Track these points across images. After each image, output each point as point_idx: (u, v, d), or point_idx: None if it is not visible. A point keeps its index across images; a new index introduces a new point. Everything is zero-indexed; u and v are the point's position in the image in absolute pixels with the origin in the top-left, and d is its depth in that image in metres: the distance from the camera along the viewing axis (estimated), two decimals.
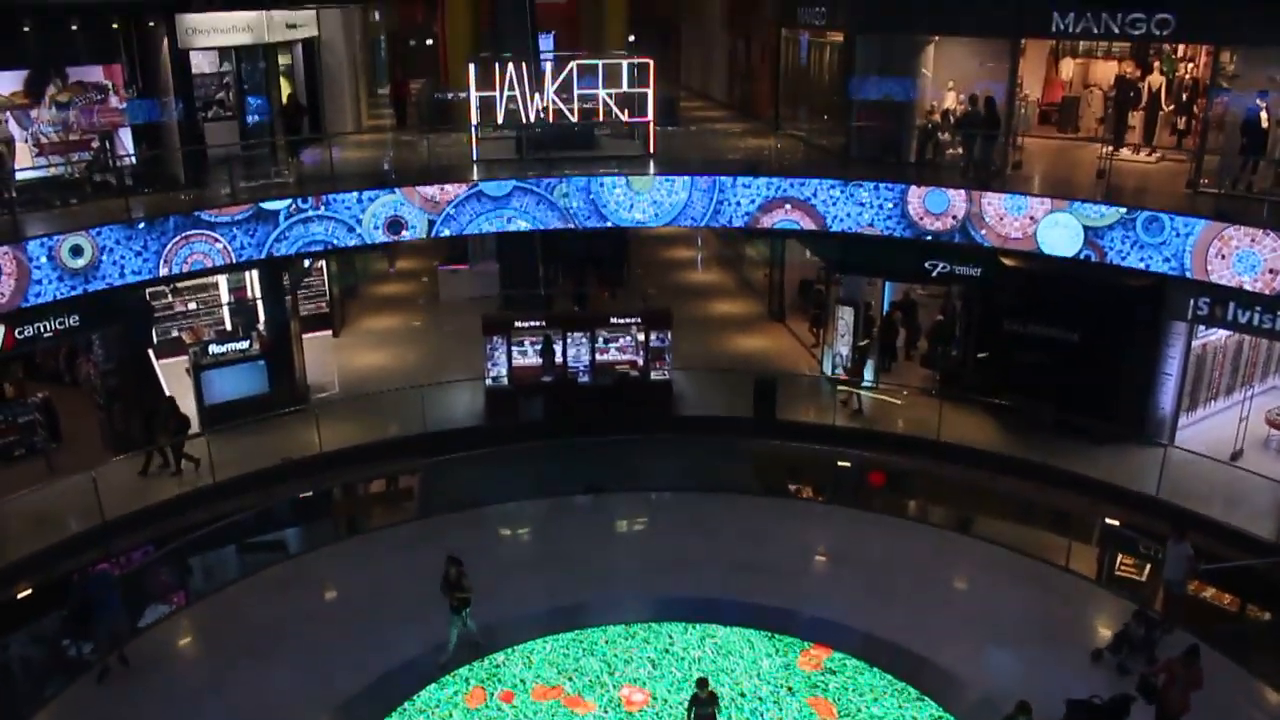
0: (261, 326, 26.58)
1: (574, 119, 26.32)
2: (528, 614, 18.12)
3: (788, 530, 21.01)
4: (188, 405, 24.42)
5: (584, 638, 17.45)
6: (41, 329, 21.76)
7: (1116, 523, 20.86)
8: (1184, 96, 26.41)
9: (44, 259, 19.88)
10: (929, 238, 23.52)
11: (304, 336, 27.93)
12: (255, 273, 27.06)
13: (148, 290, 24.51)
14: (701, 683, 14.14)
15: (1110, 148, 23.90)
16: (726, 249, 39.48)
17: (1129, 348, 23.26)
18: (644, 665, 16.79)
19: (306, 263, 26.84)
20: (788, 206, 24.31)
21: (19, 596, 18.63)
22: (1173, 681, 14.39)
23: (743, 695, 16.08)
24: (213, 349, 25.03)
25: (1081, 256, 21.73)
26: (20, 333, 21.51)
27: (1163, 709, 14.56)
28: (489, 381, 25.40)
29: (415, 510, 22.67)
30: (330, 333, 31.30)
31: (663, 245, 41.48)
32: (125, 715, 15.72)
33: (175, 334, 28.37)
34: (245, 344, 25.40)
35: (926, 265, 24.99)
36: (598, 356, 25.99)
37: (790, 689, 16.23)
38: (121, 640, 16.80)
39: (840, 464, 24.12)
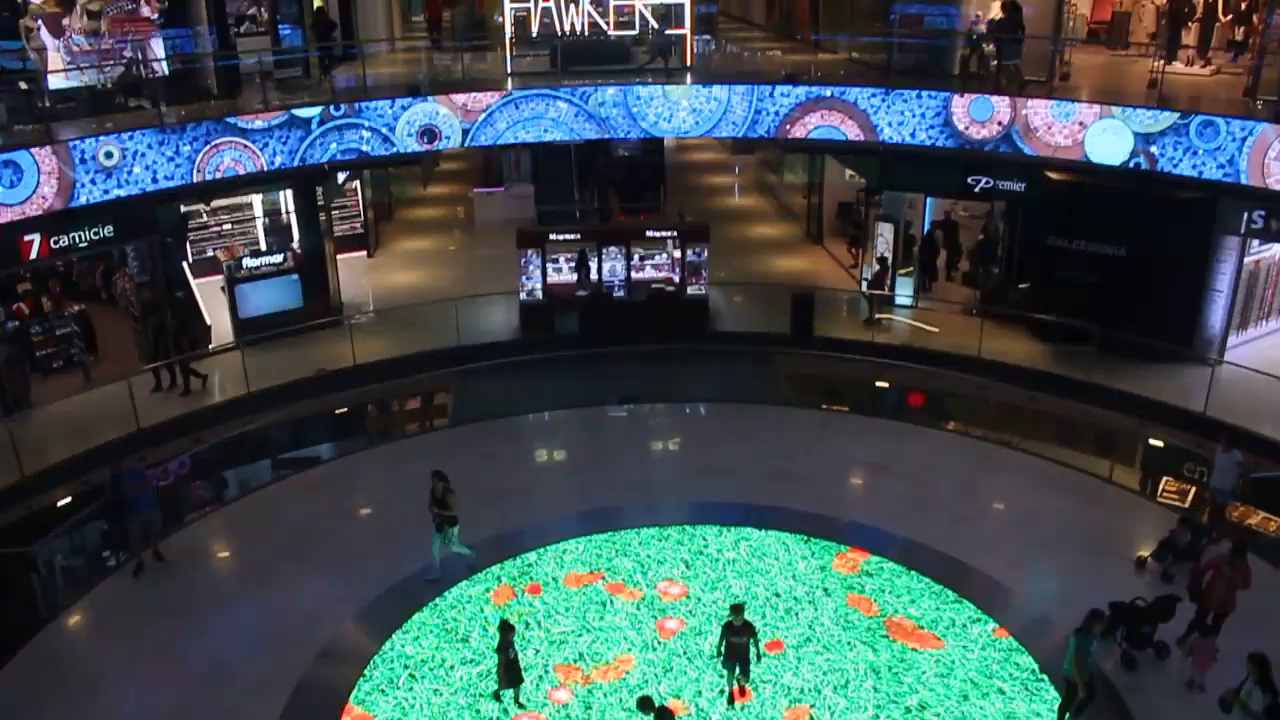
0: (296, 244, 26.29)
1: (610, 31, 25.51)
2: (559, 516, 17.86)
3: (824, 441, 20.66)
4: (222, 321, 24.24)
5: (617, 539, 17.24)
6: (76, 239, 21.65)
7: (1161, 443, 20.21)
8: (1242, 6, 25.33)
9: (81, 161, 19.56)
10: (972, 147, 22.72)
11: (339, 257, 27.72)
12: (289, 192, 26.81)
13: (182, 205, 24.21)
14: (737, 609, 13.25)
15: (1163, 60, 22.87)
16: (764, 175, 38.78)
17: (1178, 264, 22.61)
18: (677, 565, 16.60)
19: (340, 178, 26.53)
20: (828, 110, 23.52)
21: (58, 503, 18.68)
22: (1218, 578, 13.91)
23: (778, 595, 15.80)
24: (247, 263, 24.91)
25: (1131, 165, 20.97)
26: (56, 242, 21.37)
27: (1206, 607, 14.05)
28: (523, 296, 25.05)
29: (449, 419, 22.28)
30: (365, 253, 31.13)
31: (699, 172, 40.93)
32: (160, 609, 15.70)
33: (211, 253, 28.30)
34: (279, 258, 25.22)
35: (969, 180, 24.33)
36: (633, 274, 25.53)
37: (826, 590, 15.85)
38: (156, 535, 16.81)
39: (879, 384, 23.42)
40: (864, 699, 13.85)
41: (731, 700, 13.56)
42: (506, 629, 13.37)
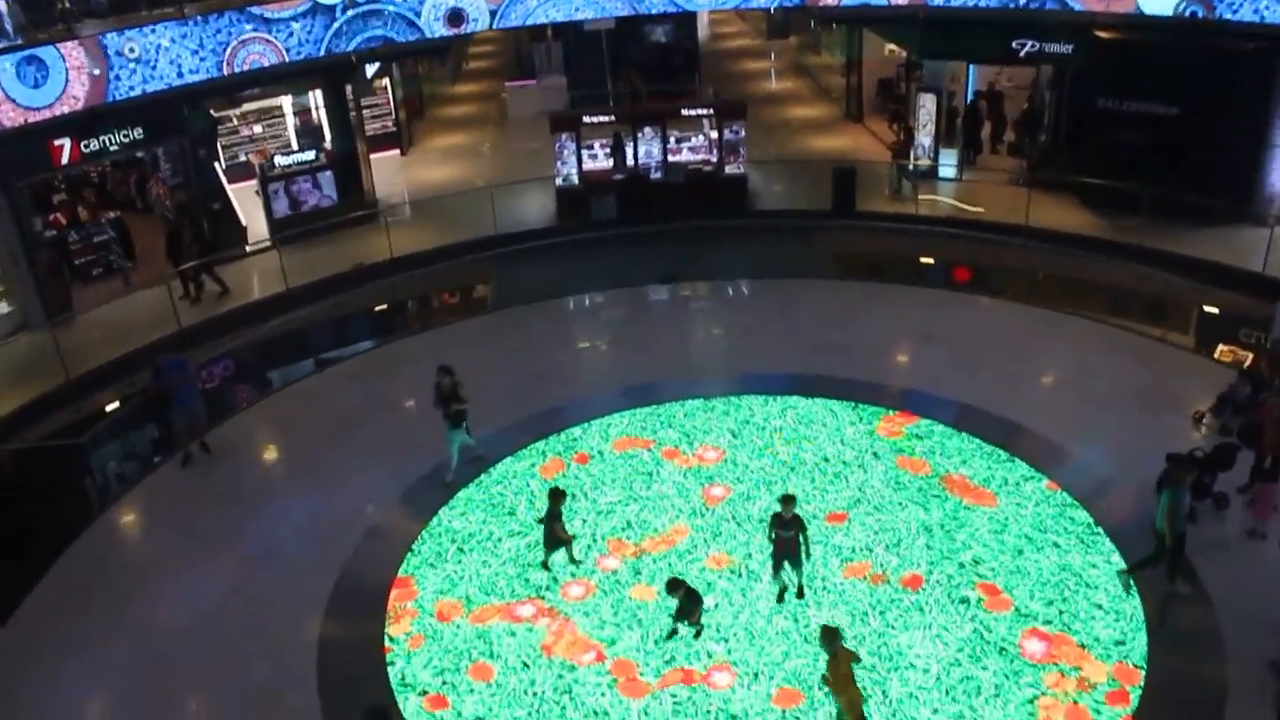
0: (327, 143, 25.94)
1: None
2: (604, 392, 17.70)
3: (869, 312, 20.27)
4: (258, 222, 24.06)
5: (662, 411, 17.02)
6: (107, 141, 21.51)
7: (1218, 305, 19.71)
8: None
9: (108, 57, 19.26)
10: (1018, 7, 21.72)
11: (371, 156, 27.33)
12: (319, 92, 26.42)
13: (212, 110, 23.89)
14: (787, 500, 12.57)
15: None
16: (801, 58, 37.77)
17: (1235, 120, 21.63)
18: (723, 434, 16.33)
19: (369, 72, 26.06)
20: None
21: (105, 405, 18.86)
22: (1273, 421, 13.40)
23: (826, 460, 15.55)
24: (279, 160, 24.60)
25: (1186, 14, 19.99)
26: (86, 145, 21.23)
27: (1262, 451, 13.60)
28: (559, 182, 24.59)
29: (488, 304, 22.06)
30: (398, 151, 30.73)
31: (734, 59, 40.00)
32: (209, 498, 15.77)
33: (243, 159, 28.05)
34: (311, 155, 24.84)
35: (1014, 45, 23.43)
36: (670, 157, 24.92)
37: (875, 454, 15.61)
38: (201, 427, 16.80)
39: (924, 256, 22.85)
40: (917, 556, 13.62)
41: (781, 598, 12.94)
42: (557, 496, 13.21)
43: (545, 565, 13.60)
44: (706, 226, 23.77)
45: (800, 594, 12.88)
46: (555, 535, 13.27)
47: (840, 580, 13.27)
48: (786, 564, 12.65)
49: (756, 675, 11.92)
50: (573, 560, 13.62)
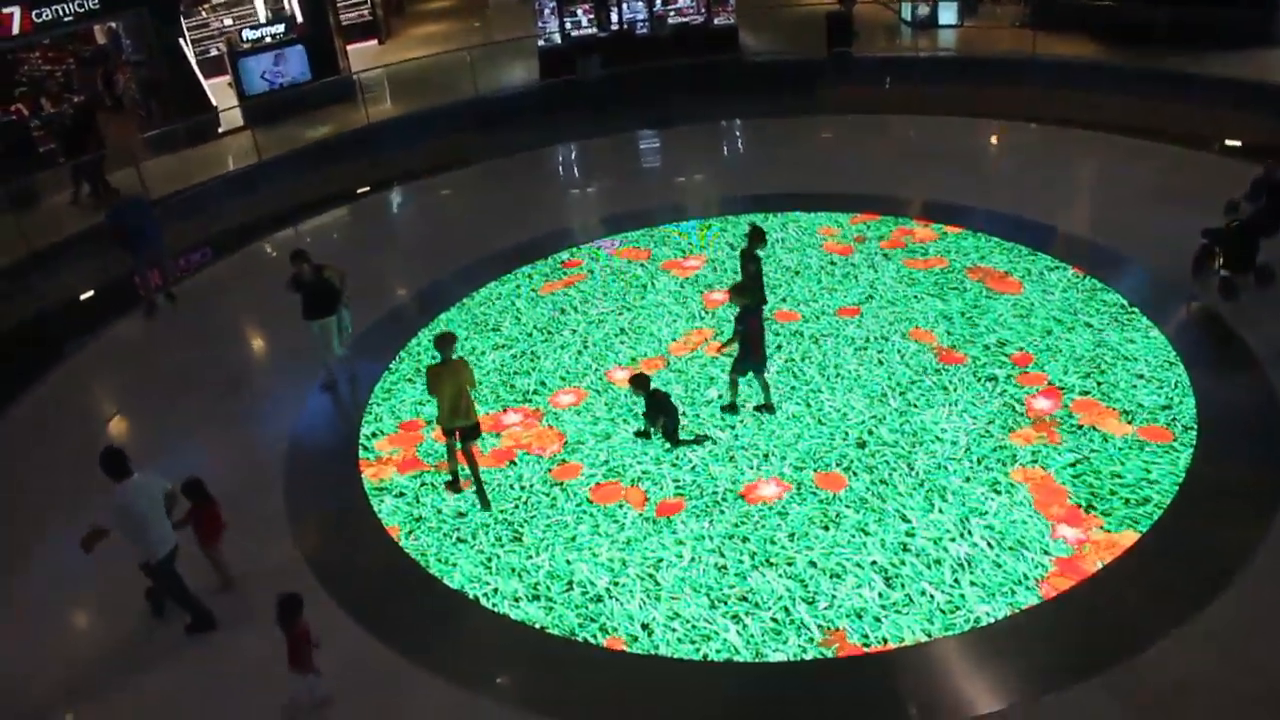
0: (299, 16, 24.39)
1: None
2: (595, 219, 16.67)
3: (870, 139, 19.01)
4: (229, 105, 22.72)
5: (656, 233, 15.63)
6: (60, 11, 20.04)
7: (1243, 117, 18.12)
8: None
9: None
10: None
11: (348, 48, 25.85)
12: None
13: None
14: (756, 235, 11.94)
15: None
16: None
17: None
18: (721, 248, 14.99)
19: None
20: None
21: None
22: None
23: (833, 264, 14.16)
24: (247, 34, 23.09)
25: None
26: (39, 15, 19.87)
27: None
28: (541, 43, 23.04)
29: (471, 159, 20.57)
30: (375, 41, 29.10)
31: None
32: (174, 341, 14.59)
33: (215, 52, 26.54)
34: (281, 27, 23.29)
35: None
36: (654, 16, 23.39)
37: (885, 255, 14.29)
38: (166, 274, 15.63)
39: (928, 89, 21.26)
40: (938, 341, 12.34)
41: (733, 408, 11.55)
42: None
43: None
44: (697, 75, 22.25)
45: (769, 408, 11.40)
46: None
47: (855, 366, 12.03)
48: (751, 368, 11.09)
49: (767, 456, 10.79)
50: None
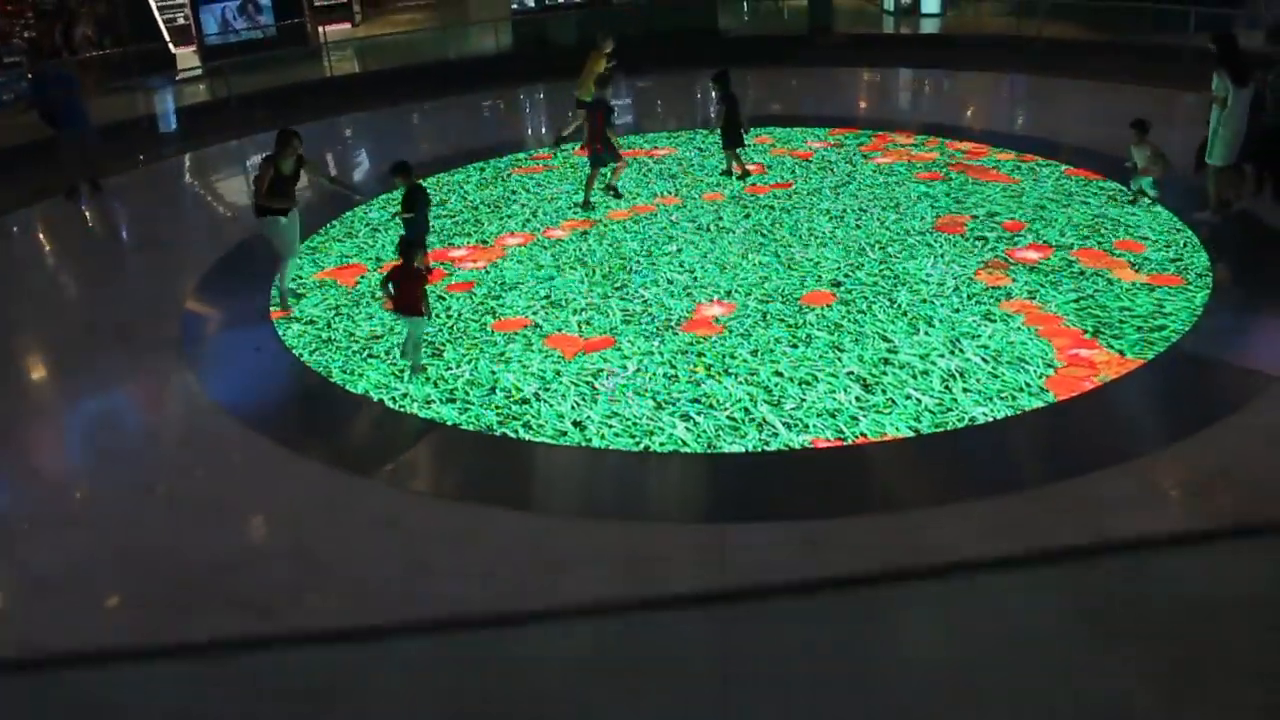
0: None
1: None
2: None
3: (856, 87, 17.80)
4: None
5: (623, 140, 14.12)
6: None
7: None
8: None
9: None
10: None
11: (321, 28, 24.56)
12: None
13: None
14: (720, 78, 12.10)
15: None
16: None
17: None
18: (690, 150, 13.57)
19: None
20: None
21: None
22: None
23: (809, 164, 13.05)
24: None
25: None
26: None
27: None
28: (515, 6, 21.95)
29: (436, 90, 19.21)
30: (348, 25, 27.99)
31: None
32: (97, 228, 13.18)
33: (181, 20, 25.24)
34: None
35: None
36: None
37: (865, 156, 13.00)
38: (92, 160, 13.91)
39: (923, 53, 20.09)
40: (918, 216, 10.98)
41: (729, 173, 12.23)
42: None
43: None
44: (674, 45, 20.72)
45: (736, 174, 12.08)
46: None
47: (830, 230, 10.69)
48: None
49: (730, 293, 9.36)
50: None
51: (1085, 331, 8.07)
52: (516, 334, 8.64)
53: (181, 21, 24.54)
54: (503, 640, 5.07)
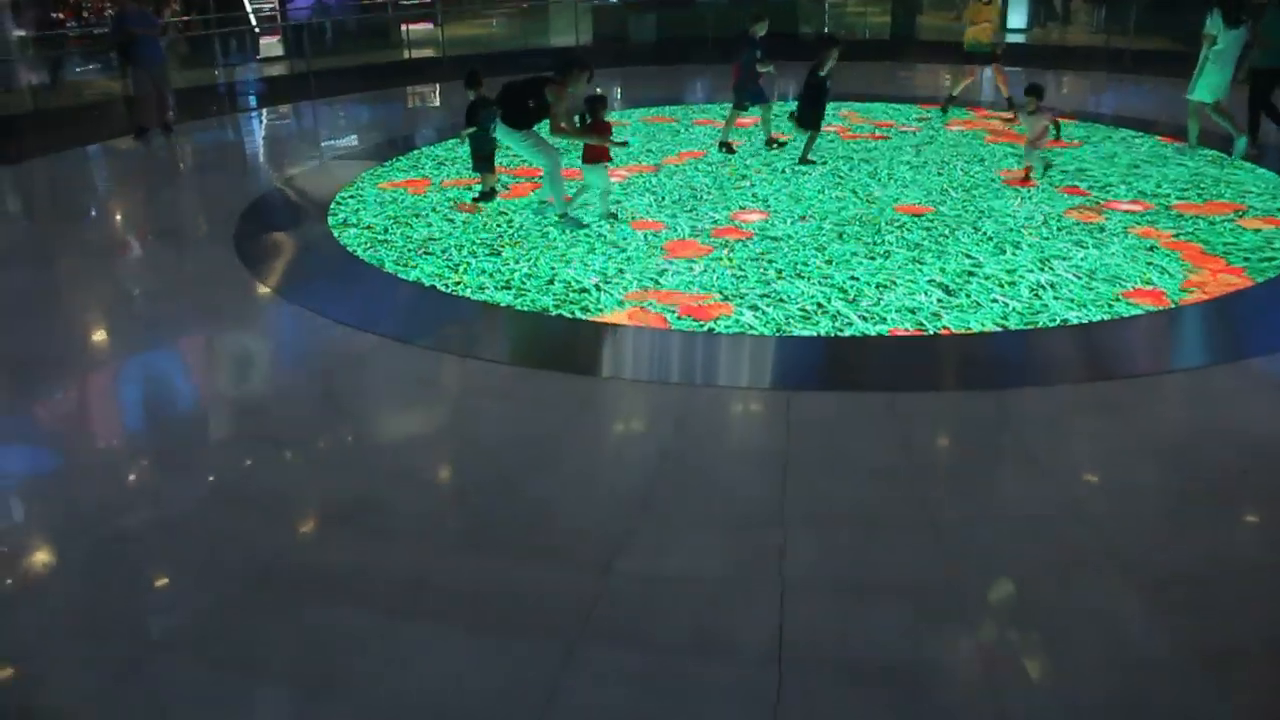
0: None
1: None
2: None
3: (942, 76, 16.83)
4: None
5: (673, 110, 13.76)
6: None
7: None
8: None
9: None
10: None
11: (405, 27, 24.76)
12: None
13: None
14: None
15: None
16: None
17: None
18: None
19: None
20: None
21: None
22: None
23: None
24: None
25: None
26: None
27: None
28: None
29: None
30: (431, 24, 27.96)
31: None
32: (156, 168, 12.56)
33: (268, 10, 25.48)
34: None
35: None
36: None
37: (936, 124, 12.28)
38: (165, 100, 13.80)
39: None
40: (1005, 168, 10.43)
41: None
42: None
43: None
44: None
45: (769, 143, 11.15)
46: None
47: (909, 173, 10.20)
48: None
49: (804, 218, 8.87)
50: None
51: (1194, 249, 7.44)
52: (581, 234, 8.21)
53: (269, 11, 24.76)
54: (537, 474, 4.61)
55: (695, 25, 21.52)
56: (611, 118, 10.07)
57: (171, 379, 6.04)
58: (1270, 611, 3.61)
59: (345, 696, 3.25)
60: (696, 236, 8.21)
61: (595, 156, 8.41)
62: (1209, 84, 9.87)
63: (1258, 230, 8.07)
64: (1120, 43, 18.25)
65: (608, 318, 6.53)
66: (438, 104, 16.73)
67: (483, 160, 9.30)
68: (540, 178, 9.11)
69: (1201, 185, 9.48)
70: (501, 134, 8.41)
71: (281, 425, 5.27)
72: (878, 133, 12.06)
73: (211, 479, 4.67)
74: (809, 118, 10.34)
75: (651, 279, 7.23)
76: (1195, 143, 10.40)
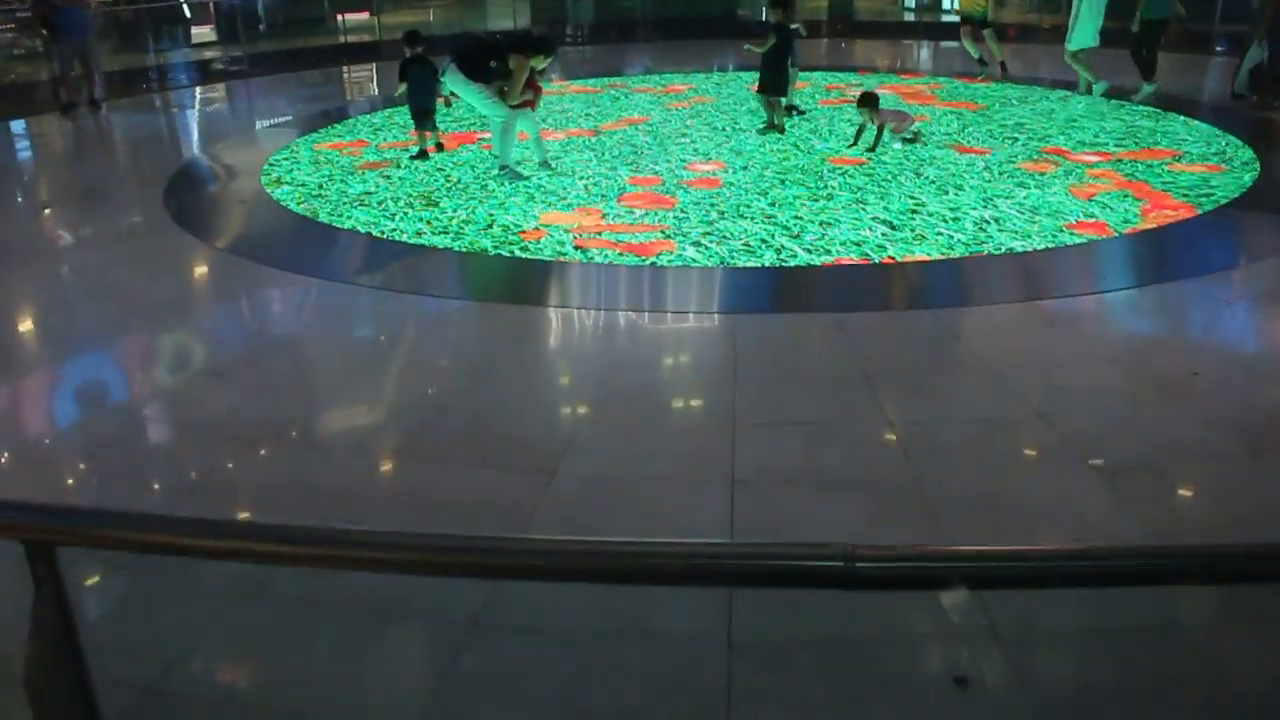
0: None
1: None
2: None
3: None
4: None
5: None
6: None
7: None
8: None
9: None
10: None
11: (339, 16, 24.23)
12: None
13: None
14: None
15: None
16: None
17: None
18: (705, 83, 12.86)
19: None
20: None
21: None
22: None
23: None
24: None
25: None
26: None
27: None
28: None
29: None
30: (367, 14, 27.51)
31: None
32: (85, 142, 12.26)
33: None
34: None
35: None
36: None
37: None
38: (91, 74, 13.32)
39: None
40: (943, 128, 10.42)
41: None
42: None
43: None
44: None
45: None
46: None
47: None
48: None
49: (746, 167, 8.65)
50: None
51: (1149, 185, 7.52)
52: (520, 185, 8.07)
53: None
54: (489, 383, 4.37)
55: (632, 7, 21.37)
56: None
57: (104, 322, 5.73)
58: (1223, 492, 3.57)
59: (272, 601, 3.00)
60: (637, 187, 8.00)
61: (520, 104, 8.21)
62: (1085, 33, 10.99)
63: (1194, 173, 8.02)
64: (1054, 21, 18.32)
65: (549, 259, 6.30)
66: (375, 84, 16.39)
67: (422, 116, 9.03)
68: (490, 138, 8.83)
69: (1138, 136, 9.45)
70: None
71: (215, 359, 5.08)
72: (823, 97, 11.84)
73: (147, 410, 4.48)
74: (773, 83, 9.89)
75: (593, 224, 7.01)
76: (1088, 85, 11.27)
